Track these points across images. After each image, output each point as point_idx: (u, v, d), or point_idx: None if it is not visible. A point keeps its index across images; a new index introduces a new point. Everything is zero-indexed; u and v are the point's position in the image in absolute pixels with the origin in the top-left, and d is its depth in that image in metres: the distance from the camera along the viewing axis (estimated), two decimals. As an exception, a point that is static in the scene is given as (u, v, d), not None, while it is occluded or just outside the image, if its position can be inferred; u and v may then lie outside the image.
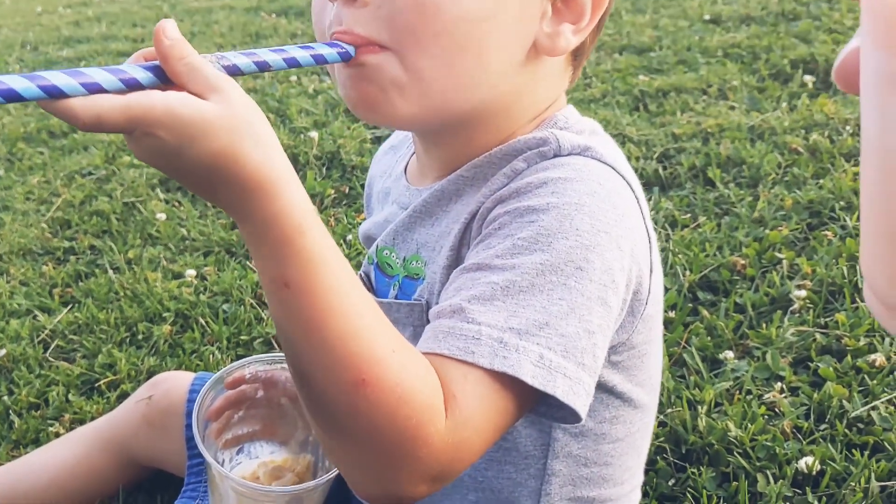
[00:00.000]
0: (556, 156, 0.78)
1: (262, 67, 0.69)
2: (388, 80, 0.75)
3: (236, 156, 0.61)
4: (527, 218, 0.73)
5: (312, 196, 2.27)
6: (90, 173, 2.65)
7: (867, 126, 0.32)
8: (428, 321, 0.82)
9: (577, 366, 0.69)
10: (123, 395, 1.53)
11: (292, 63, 0.71)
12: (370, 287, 0.95)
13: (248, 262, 1.98)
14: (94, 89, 0.58)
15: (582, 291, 0.70)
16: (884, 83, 0.30)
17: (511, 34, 0.77)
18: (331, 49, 0.73)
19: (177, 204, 2.35)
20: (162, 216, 2.25)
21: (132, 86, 0.60)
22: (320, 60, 0.72)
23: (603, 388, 0.84)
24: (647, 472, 1.26)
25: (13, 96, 0.55)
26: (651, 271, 0.80)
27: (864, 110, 0.32)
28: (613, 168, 0.78)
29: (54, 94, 0.56)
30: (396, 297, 0.90)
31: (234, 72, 0.67)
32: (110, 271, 2.01)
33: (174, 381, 1.28)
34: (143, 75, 0.61)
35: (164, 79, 0.62)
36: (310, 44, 0.73)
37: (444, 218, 0.85)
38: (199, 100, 0.61)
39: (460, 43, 0.74)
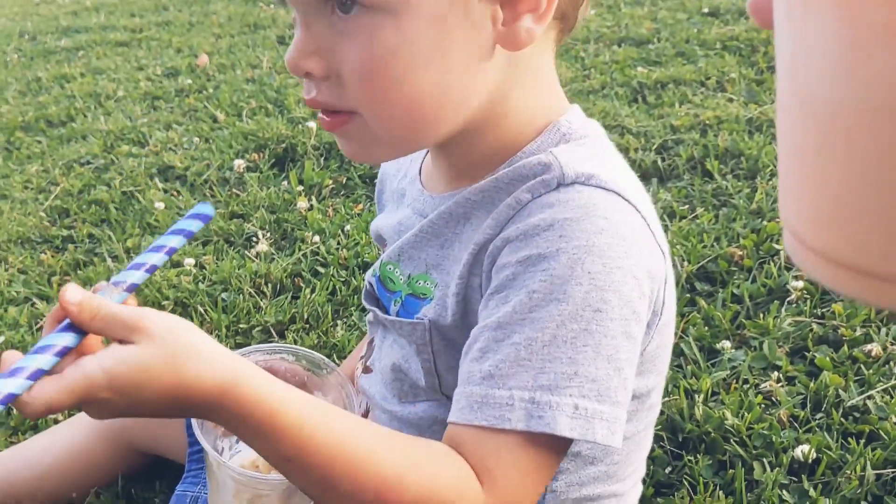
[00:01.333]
0: (559, 185, 0.77)
1: (152, 271, 0.73)
2: (366, 140, 0.79)
3: (186, 384, 0.65)
4: (539, 266, 0.73)
5: (311, 187, 2.27)
6: (88, 162, 2.65)
7: (781, 55, 0.32)
8: (430, 341, 0.85)
9: (612, 405, 0.72)
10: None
11: (171, 252, 0.75)
12: (374, 298, 0.96)
13: (246, 252, 1.99)
14: (38, 376, 0.61)
15: (605, 332, 0.72)
16: (795, 6, 0.30)
17: (465, 56, 0.74)
18: (195, 220, 0.77)
19: (175, 193, 2.35)
20: (160, 205, 2.25)
21: (65, 353, 0.64)
22: (189, 236, 0.76)
23: None
24: (644, 459, 1.27)
25: None
26: (666, 282, 0.81)
27: (777, 39, 0.32)
28: (618, 194, 0.76)
29: (7, 401, 0.60)
30: (398, 315, 0.90)
31: (132, 289, 0.70)
32: (109, 260, 2.01)
33: None
34: (69, 340, 0.64)
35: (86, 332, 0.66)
36: (178, 226, 0.76)
37: (454, 241, 0.85)
38: (129, 348, 0.64)
39: (416, 94, 0.74)
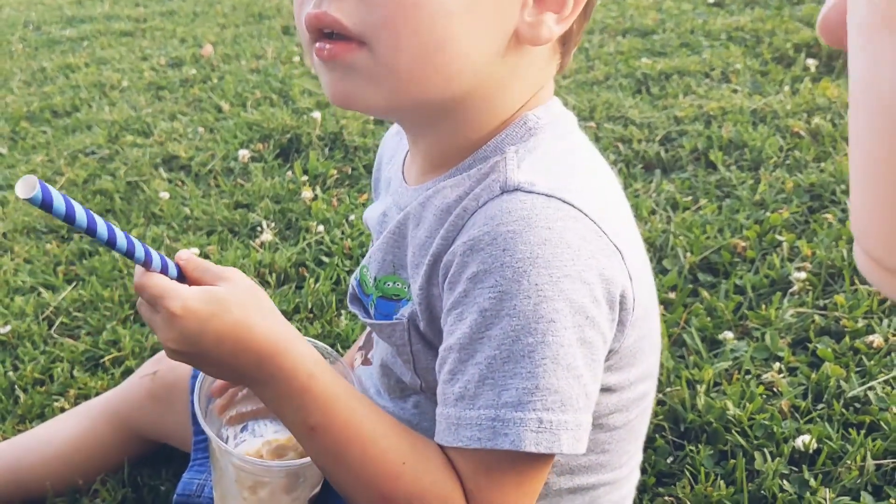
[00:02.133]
0: (502, 191, 0.76)
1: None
2: (363, 77, 0.75)
3: (249, 325, 0.75)
4: (486, 283, 0.73)
5: (315, 177, 2.28)
6: (93, 152, 2.66)
7: (856, 74, 0.32)
8: (409, 340, 0.86)
9: (575, 412, 0.74)
10: (128, 371, 1.55)
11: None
12: (358, 300, 0.96)
13: (251, 242, 1.99)
14: (151, 260, 0.77)
15: (561, 342, 0.72)
16: (874, 24, 0.30)
17: (490, 25, 0.75)
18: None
19: (180, 183, 2.36)
20: (165, 195, 2.26)
21: (176, 277, 0.80)
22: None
23: (600, 390, 0.84)
24: (645, 449, 1.27)
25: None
26: (631, 279, 0.79)
27: (852, 58, 0.32)
28: (561, 199, 0.75)
29: (126, 251, 0.75)
30: (374, 317, 0.91)
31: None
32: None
33: None
34: (175, 271, 0.80)
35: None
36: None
37: (410, 242, 0.85)
38: (212, 286, 0.77)
39: (438, 37, 0.73)
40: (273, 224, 2.07)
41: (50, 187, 0.68)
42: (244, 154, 2.44)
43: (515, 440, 0.72)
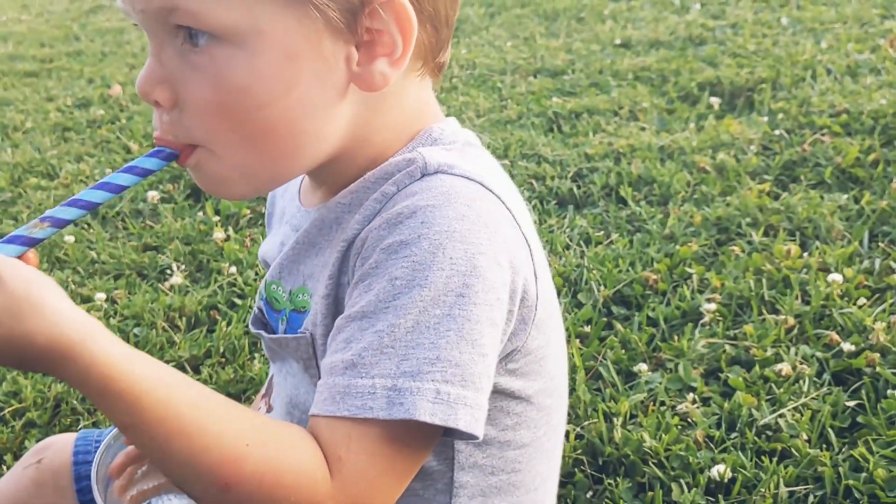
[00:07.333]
0: (423, 175, 0.77)
1: (89, 207, 0.73)
2: (217, 176, 0.78)
3: (24, 335, 0.65)
4: (401, 253, 0.72)
5: (228, 217, 2.24)
6: (-6, 196, 2.56)
7: None
8: (314, 354, 0.83)
9: (475, 391, 0.71)
10: (29, 424, 1.48)
11: (118, 190, 0.74)
12: (262, 322, 0.94)
13: (160, 285, 1.94)
14: None
15: (468, 317, 0.71)
16: None
17: (318, 95, 0.75)
18: (153, 158, 0.76)
19: (86, 226, 2.29)
20: (70, 238, 2.19)
21: None
22: (145, 174, 0.75)
23: (502, 395, 0.83)
24: (564, 484, 1.27)
25: None
26: (536, 277, 0.80)
27: None
28: (481, 183, 0.77)
29: None
30: (286, 332, 0.88)
31: (60, 225, 0.72)
32: (15, 296, 1.94)
33: (62, 443, 1.21)
34: None
35: None
36: (133, 162, 0.75)
37: (326, 247, 0.84)
38: None
39: (265, 128, 0.74)
40: (183, 266, 2.02)
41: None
42: (153, 195, 2.39)
43: (411, 409, 0.68)
